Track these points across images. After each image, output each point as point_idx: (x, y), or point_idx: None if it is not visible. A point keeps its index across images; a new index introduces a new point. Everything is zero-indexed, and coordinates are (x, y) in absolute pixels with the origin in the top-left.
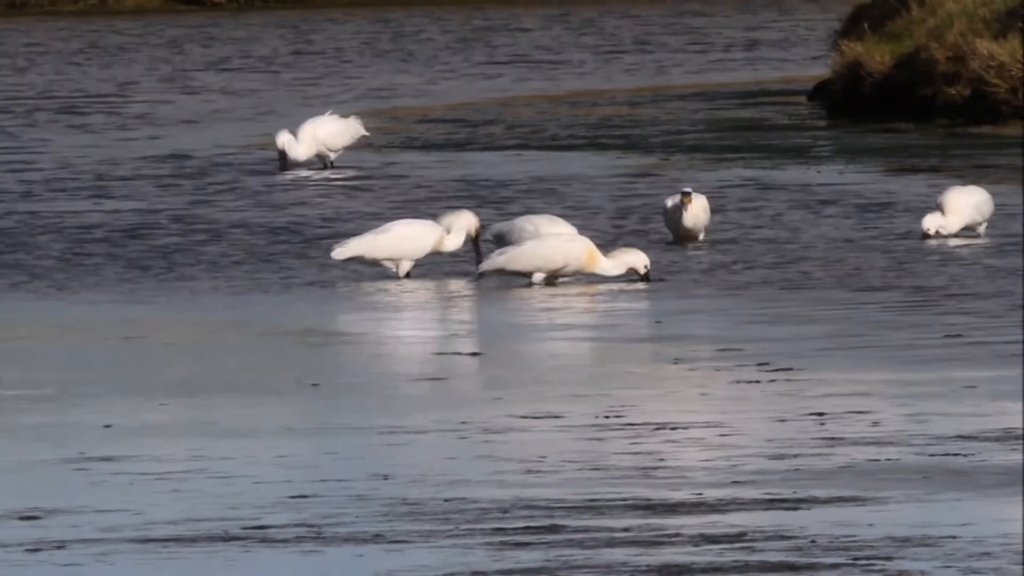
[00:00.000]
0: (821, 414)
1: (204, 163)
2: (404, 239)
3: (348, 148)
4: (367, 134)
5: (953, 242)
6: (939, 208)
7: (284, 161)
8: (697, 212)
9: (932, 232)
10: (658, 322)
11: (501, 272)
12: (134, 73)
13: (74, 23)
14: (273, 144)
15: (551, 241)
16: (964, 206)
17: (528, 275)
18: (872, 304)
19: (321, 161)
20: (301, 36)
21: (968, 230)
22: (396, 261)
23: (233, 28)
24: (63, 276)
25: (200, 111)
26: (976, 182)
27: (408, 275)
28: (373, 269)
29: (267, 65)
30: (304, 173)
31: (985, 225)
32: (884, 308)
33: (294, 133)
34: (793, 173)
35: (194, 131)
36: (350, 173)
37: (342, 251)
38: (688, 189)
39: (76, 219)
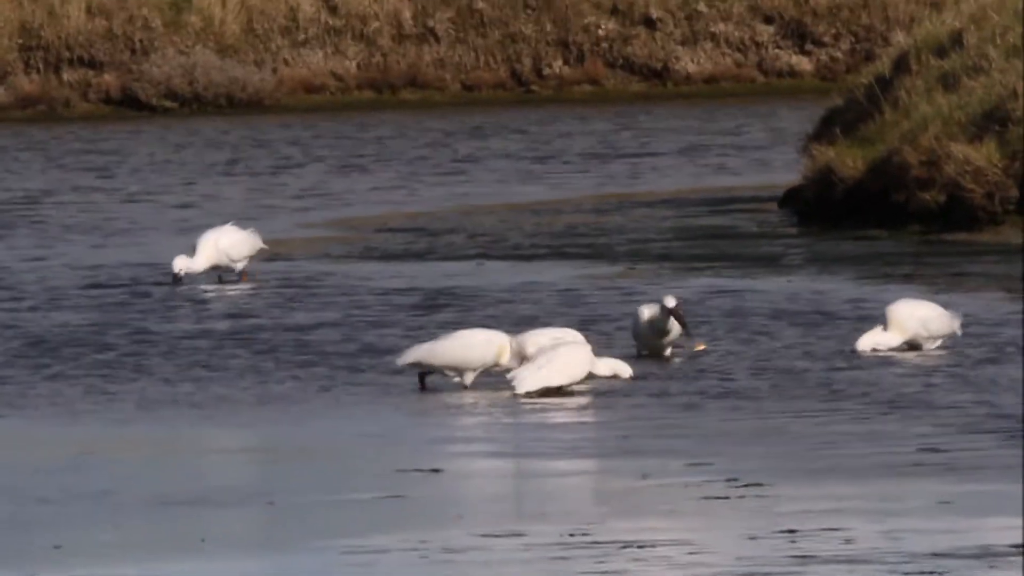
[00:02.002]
0: (792, 531)
1: (148, 273)
2: (465, 347)
3: (251, 258)
4: (266, 247)
5: (924, 353)
6: (883, 321)
7: (177, 281)
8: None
9: (868, 351)
10: (624, 437)
11: (545, 391)
12: (78, 180)
13: (21, 129)
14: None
15: (572, 352)
16: (907, 319)
17: (561, 388)
18: (843, 416)
19: (219, 273)
20: (254, 141)
21: (912, 345)
22: (457, 370)
23: (183, 133)
24: (9, 390)
25: (146, 220)
26: (950, 290)
27: (467, 386)
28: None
29: (219, 171)
30: (247, 285)
31: (934, 342)
32: (856, 420)
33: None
34: (763, 282)
35: (137, 241)
36: (305, 283)
37: (403, 357)
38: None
39: (19, 331)
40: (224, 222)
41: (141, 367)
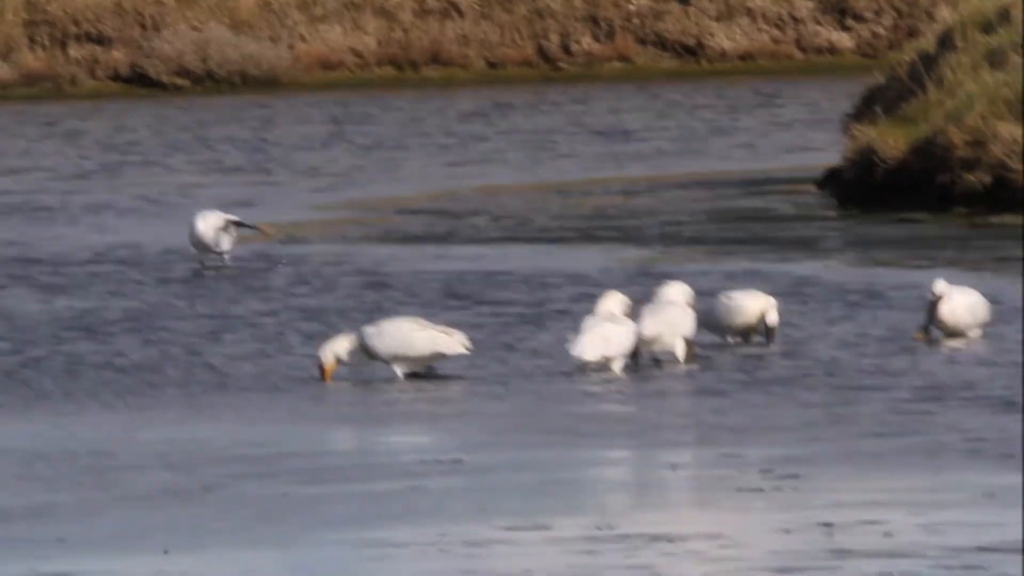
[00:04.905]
0: (829, 524)
1: (166, 256)
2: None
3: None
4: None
5: (967, 340)
6: (938, 298)
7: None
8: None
9: (939, 295)
10: (654, 427)
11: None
12: (85, 161)
13: (26, 107)
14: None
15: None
16: (959, 305)
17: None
18: (883, 405)
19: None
20: (267, 121)
21: (955, 333)
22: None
23: (194, 112)
24: (18, 382)
25: (158, 202)
26: (996, 275)
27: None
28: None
29: (231, 152)
30: (260, 265)
31: (978, 330)
32: (896, 409)
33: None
34: (800, 266)
35: (150, 223)
36: (322, 267)
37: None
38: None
39: (23, 319)
40: (237, 204)
41: (175, 357)
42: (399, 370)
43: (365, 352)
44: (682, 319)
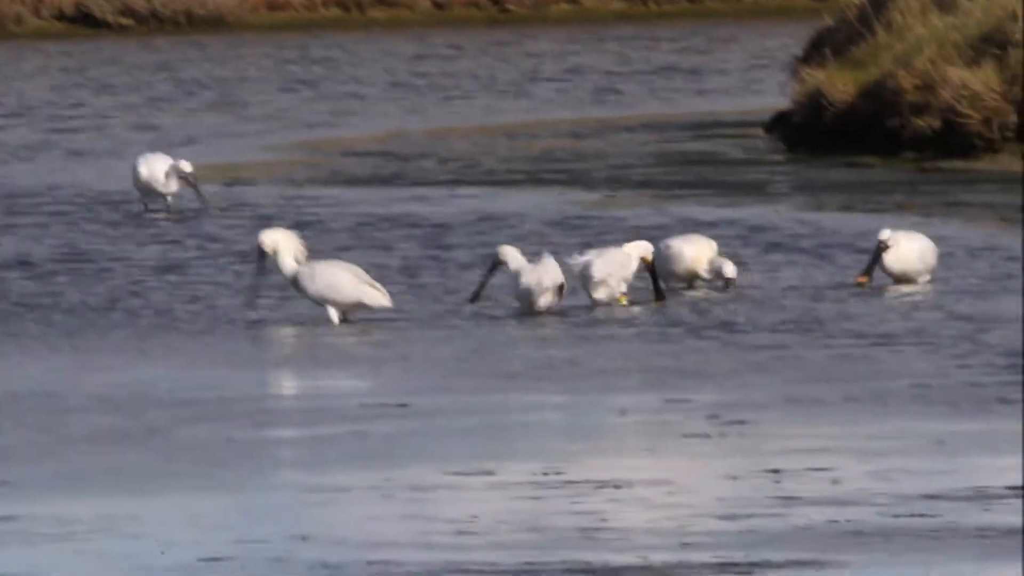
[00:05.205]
0: (776, 471)
1: (110, 198)
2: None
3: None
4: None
5: (915, 287)
6: (884, 247)
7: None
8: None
9: (887, 242)
10: (600, 372)
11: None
12: (29, 101)
13: None
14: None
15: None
16: (907, 251)
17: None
18: (831, 350)
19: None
20: (213, 61)
21: (904, 278)
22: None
23: (139, 52)
24: None
25: (103, 143)
26: (947, 220)
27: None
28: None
29: (177, 93)
30: (191, 207)
31: (927, 275)
32: (844, 355)
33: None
34: (748, 211)
35: (95, 163)
36: (268, 209)
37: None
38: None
39: None
40: (184, 144)
41: (117, 299)
42: (332, 313)
43: (296, 287)
44: (627, 264)
